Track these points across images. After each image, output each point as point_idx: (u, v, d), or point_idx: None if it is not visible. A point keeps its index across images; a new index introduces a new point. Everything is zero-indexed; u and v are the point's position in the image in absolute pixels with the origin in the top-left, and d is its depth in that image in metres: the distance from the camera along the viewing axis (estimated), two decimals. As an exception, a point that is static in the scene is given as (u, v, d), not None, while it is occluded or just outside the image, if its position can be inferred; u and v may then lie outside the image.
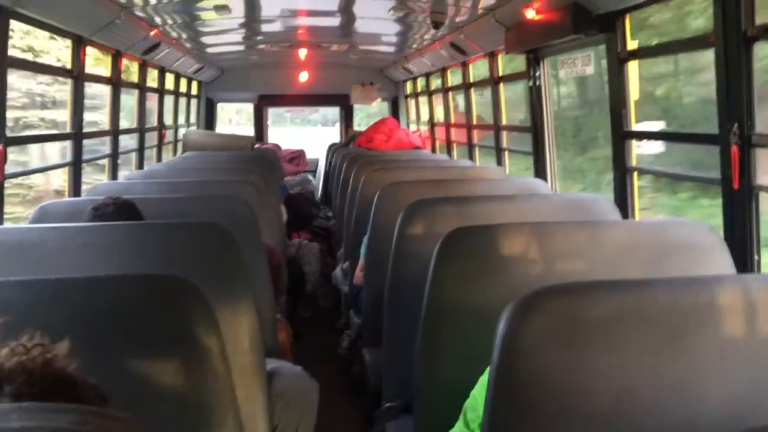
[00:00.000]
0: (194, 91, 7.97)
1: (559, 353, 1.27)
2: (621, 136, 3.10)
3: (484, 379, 1.64)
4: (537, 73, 4.13)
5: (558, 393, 1.25)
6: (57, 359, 0.90)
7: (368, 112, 10.47)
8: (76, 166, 4.01)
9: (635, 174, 3.09)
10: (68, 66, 4.04)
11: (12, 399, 0.82)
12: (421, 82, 7.88)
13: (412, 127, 8.35)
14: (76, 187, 3.99)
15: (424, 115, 8.01)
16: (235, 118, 13.55)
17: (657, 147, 3.44)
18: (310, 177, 8.66)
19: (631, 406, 1.26)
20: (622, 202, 3.06)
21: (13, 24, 3.08)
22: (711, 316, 1.32)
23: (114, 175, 4.80)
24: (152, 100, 6.16)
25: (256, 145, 8.00)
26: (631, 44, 3.04)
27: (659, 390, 1.28)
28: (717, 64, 2.33)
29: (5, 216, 3.03)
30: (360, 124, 9.62)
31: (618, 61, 3.07)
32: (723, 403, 1.30)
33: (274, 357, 2.44)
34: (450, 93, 6.71)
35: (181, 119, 7.42)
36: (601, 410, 1.26)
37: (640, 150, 3.13)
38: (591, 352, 1.28)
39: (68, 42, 3.97)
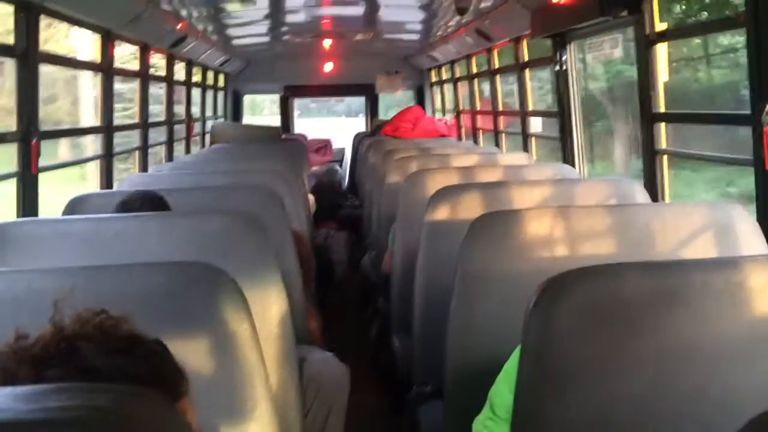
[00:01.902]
0: (221, 83, 8.03)
1: (589, 336, 1.26)
2: (650, 119, 3.07)
3: (509, 366, 1.64)
4: (563, 57, 4.09)
5: (588, 376, 1.25)
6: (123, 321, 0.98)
7: (391, 102, 10.45)
8: (107, 158, 4.07)
9: (665, 157, 3.06)
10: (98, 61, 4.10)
11: (91, 359, 0.89)
12: (446, 70, 7.84)
13: (438, 116, 8.32)
14: (108, 180, 4.05)
15: (450, 103, 7.98)
16: (268, 107, 13.65)
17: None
18: (337, 167, 8.68)
19: (664, 389, 1.25)
20: (652, 185, 3.03)
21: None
22: (744, 298, 1.30)
23: (144, 167, 4.87)
24: (179, 94, 6.22)
25: (283, 136, 8.04)
26: (660, 26, 3.00)
27: (692, 372, 1.27)
28: (748, 44, 2.29)
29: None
30: (387, 113, 9.61)
31: (646, 43, 3.03)
32: (757, 386, 1.28)
33: (304, 344, 2.46)
34: (476, 80, 6.67)
35: (209, 112, 7.48)
36: (633, 393, 1.25)
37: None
38: (621, 334, 1.27)
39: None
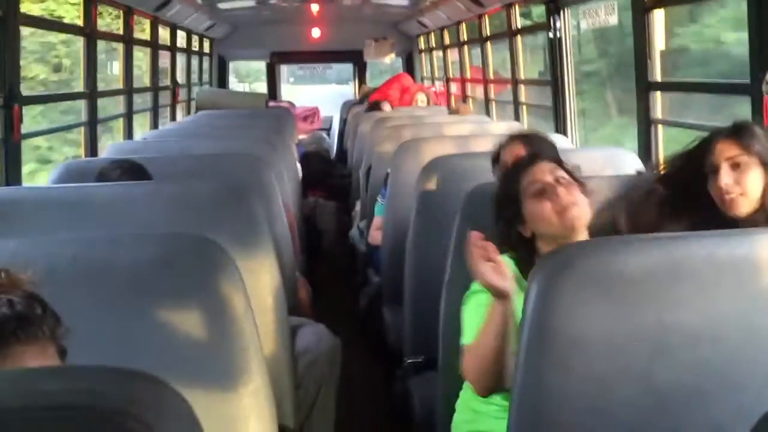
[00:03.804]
0: (206, 48, 7.89)
1: (591, 309, 1.24)
2: (645, 88, 3.03)
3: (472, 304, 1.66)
4: (557, 24, 4.03)
5: (591, 350, 1.23)
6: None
7: (384, 68, 10.35)
8: (91, 125, 3.99)
9: (660, 126, 3.02)
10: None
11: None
12: (436, 37, 7.75)
13: (426, 83, 8.24)
14: (92, 147, 3.98)
15: (439, 71, 7.90)
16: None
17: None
18: (325, 135, 8.61)
19: (666, 362, 1.24)
20: (647, 154, 3.00)
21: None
22: (747, 270, 1.28)
23: (129, 135, 4.78)
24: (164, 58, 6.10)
25: (270, 104, 7.93)
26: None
27: (694, 345, 1.26)
28: (749, 13, 2.25)
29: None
30: (377, 79, 9.51)
31: (642, 9, 2.98)
32: (759, 358, 1.27)
33: (294, 315, 2.43)
34: (466, 47, 6.59)
35: (194, 78, 7.36)
36: (635, 366, 1.24)
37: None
38: (624, 308, 1.25)
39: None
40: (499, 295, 1.53)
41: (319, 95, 12.07)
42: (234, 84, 11.65)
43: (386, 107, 6.12)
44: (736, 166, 1.69)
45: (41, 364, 0.94)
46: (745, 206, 1.68)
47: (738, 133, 1.72)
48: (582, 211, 1.68)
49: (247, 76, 13.84)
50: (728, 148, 1.71)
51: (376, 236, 3.56)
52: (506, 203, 1.75)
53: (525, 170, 1.73)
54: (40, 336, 0.97)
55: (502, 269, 1.53)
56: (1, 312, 0.95)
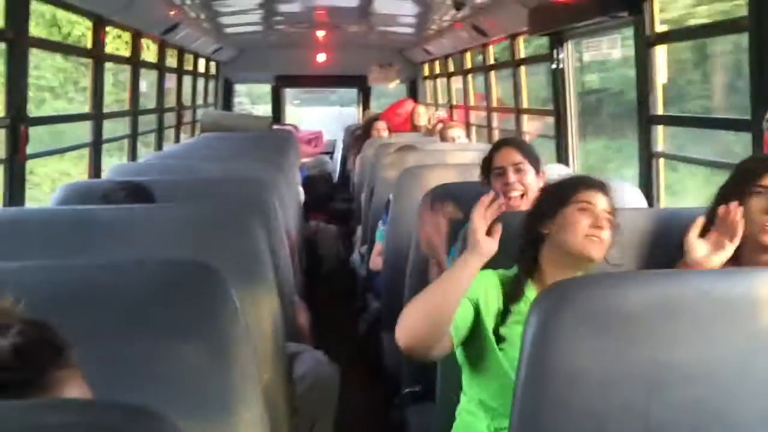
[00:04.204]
0: (212, 71, 7.95)
1: (590, 346, 1.24)
2: (647, 121, 3.05)
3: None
4: (560, 56, 4.06)
5: (589, 386, 1.23)
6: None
7: (386, 93, 10.43)
8: (96, 146, 4.01)
9: (661, 160, 3.04)
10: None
11: None
12: (440, 64, 7.80)
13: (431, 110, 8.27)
14: (96, 168, 3.99)
15: (443, 98, 7.94)
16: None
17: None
18: (328, 159, 8.63)
19: (662, 400, 1.24)
20: (648, 188, 3.01)
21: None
22: (743, 309, 1.28)
23: (133, 156, 4.80)
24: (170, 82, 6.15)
25: (274, 126, 7.97)
26: (660, 27, 2.98)
27: (689, 384, 1.25)
28: (750, 49, 2.27)
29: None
30: (380, 103, 9.57)
31: (645, 44, 3.01)
32: (756, 398, 1.27)
33: (293, 340, 2.43)
34: (470, 75, 6.64)
35: (199, 100, 7.41)
36: (632, 404, 1.23)
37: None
38: (621, 344, 1.25)
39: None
40: (476, 245, 1.62)
41: (323, 116, 12.15)
42: (247, 106, 11.74)
43: (381, 125, 6.13)
44: None
45: (78, 392, 0.94)
46: None
47: None
48: (603, 251, 1.74)
49: (260, 98, 13.95)
50: None
51: (377, 262, 3.57)
52: (550, 200, 1.82)
53: (586, 188, 1.79)
54: (71, 362, 0.96)
55: (497, 234, 1.64)
56: (31, 339, 0.94)
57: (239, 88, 9.90)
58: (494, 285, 1.74)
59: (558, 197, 1.80)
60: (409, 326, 1.61)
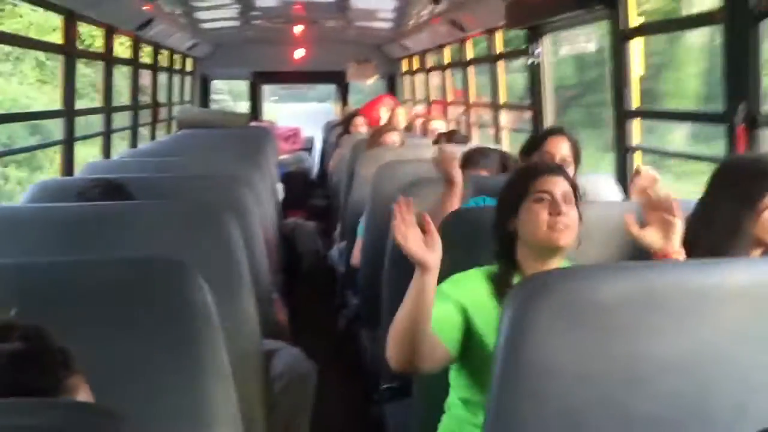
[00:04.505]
0: (188, 67, 7.87)
1: (566, 339, 1.23)
2: (623, 115, 3.06)
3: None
4: (537, 50, 4.07)
5: (566, 380, 1.22)
6: None
7: (365, 89, 10.42)
8: (68, 144, 3.95)
9: (637, 153, 3.05)
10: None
11: None
12: (418, 60, 7.79)
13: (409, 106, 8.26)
14: (69, 166, 3.93)
15: (422, 93, 7.94)
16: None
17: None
18: (306, 155, 8.59)
19: (640, 392, 1.23)
20: (623, 182, 3.02)
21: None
22: (720, 300, 1.28)
23: (107, 154, 4.74)
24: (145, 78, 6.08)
25: (252, 123, 7.92)
26: (635, 21, 2.98)
27: (666, 375, 1.25)
28: (724, 41, 2.28)
29: None
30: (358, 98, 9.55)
31: (621, 37, 3.02)
32: (731, 388, 1.27)
33: (271, 337, 2.41)
34: (448, 71, 6.64)
35: (175, 97, 7.34)
36: (610, 397, 1.23)
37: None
38: (598, 337, 1.25)
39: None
40: (421, 266, 1.50)
41: (300, 112, 12.12)
42: (230, 103, 11.66)
43: (359, 121, 6.11)
44: None
45: (87, 395, 0.96)
46: None
47: None
48: (571, 236, 1.70)
49: (241, 96, 13.87)
50: None
51: (358, 257, 3.55)
52: (510, 195, 1.79)
53: (539, 176, 1.76)
54: (78, 367, 0.98)
55: (432, 241, 1.50)
56: (39, 347, 0.94)
57: (221, 85, 9.84)
58: (480, 283, 1.71)
59: (516, 190, 1.77)
60: (394, 353, 1.58)
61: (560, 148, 2.34)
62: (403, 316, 1.54)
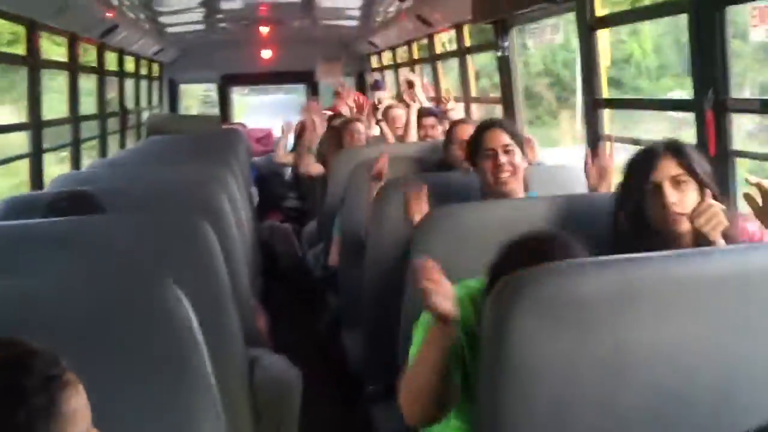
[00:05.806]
0: (155, 72, 7.78)
1: (548, 334, 1.23)
2: (593, 105, 3.08)
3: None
4: (505, 43, 4.08)
5: (548, 373, 1.22)
6: None
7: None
8: (36, 156, 3.87)
9: (608, 143, 3.06)
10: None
11: None
12: (387, 56, 7.78)
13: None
14: (37, 179, 3.86)
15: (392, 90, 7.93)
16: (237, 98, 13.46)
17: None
18: (279, 156, 8.53)
19: (626, 385, 1.24)
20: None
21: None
22: (702, 290, 1.29)
23: (76, 165, 4.67)
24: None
25: (223, 126, 7.84)
26: (601, 11, 3.00)
27: (651, 368, 1.26)
28: (690, 29, 2.30)
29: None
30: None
31: (588, 28, 3.04)
32: (714, 377, 1.28)
33: (253, 344, 2.39)
34: (417, 66, 6.64)
35: (143, 103, 7.25)
36: (596, 392, 1.23)
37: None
38: (580, 331, 1.24)
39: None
40: (442, 318, 1.42)
41: (269, 102, 12.14)
42: (207, 108, 11.54)
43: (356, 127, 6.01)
44: (677, 184, 1.72)
45: (85, 402, 0.98)
46: (685, 224, 1.71)
47: (678, 151, 1.75)
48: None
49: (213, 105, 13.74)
50: (670, 167, 1.73)
51: (336, 258, 3.52)
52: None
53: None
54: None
55: (447, 292, 1.42)
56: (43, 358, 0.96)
57: (200, 91, 9.73)
58: (467, 307, 1.60)
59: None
60: (411, 411, 1.51)
61: (500, 140, 2.32)
62: (424, 370, 1.45)
